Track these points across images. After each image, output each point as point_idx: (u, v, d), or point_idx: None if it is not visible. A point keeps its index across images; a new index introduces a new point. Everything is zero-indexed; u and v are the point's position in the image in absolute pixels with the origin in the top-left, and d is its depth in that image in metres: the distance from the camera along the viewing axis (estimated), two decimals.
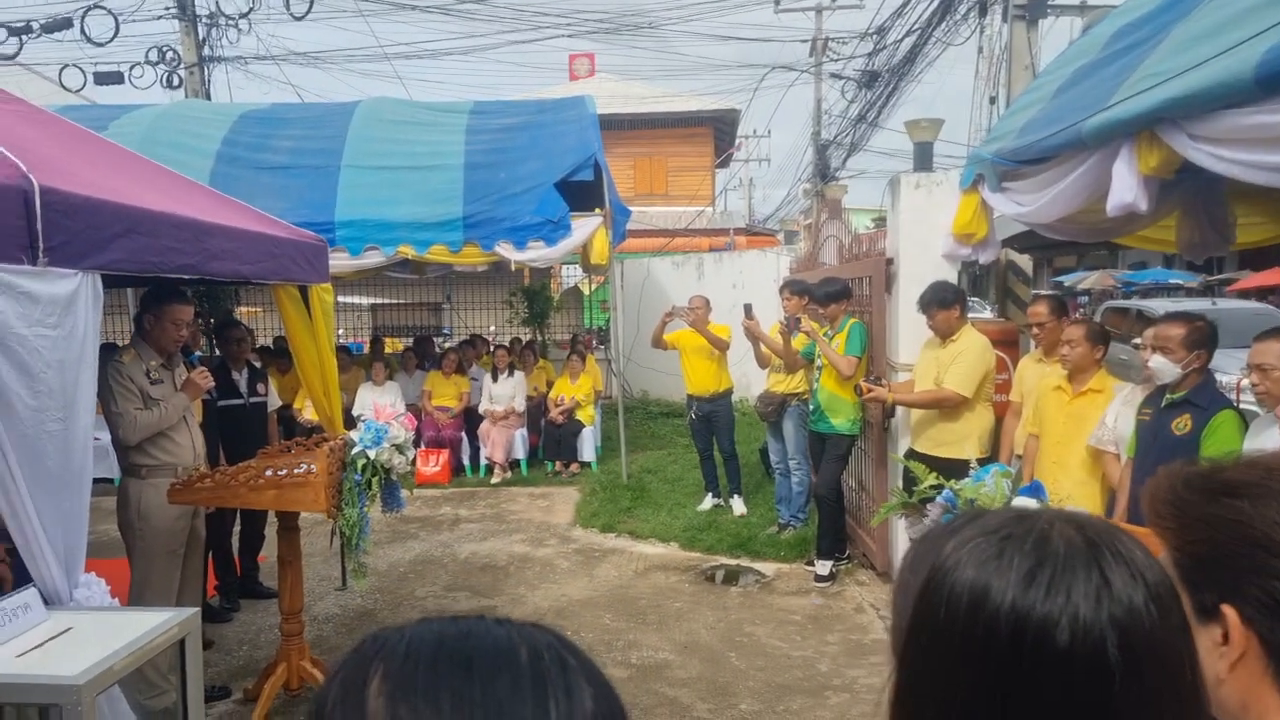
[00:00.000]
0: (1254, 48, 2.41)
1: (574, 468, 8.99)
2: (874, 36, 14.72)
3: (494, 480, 8.73)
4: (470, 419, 9.21)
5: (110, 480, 5.73)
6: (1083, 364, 4.01)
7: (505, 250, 7.54)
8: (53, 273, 2.54)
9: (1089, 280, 21.42)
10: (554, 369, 10.24)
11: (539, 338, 11.59)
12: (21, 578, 2.90)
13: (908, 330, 5.32)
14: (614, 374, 10.27)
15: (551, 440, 9.08)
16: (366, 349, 11.39)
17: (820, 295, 5.73)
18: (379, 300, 14.69)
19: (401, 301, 14.62)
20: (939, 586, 0.65)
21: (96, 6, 11.39)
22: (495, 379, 9.15)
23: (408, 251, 7.56)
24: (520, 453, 9.08)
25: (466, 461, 9.10)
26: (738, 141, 24.99)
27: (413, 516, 7.34)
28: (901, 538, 5.37)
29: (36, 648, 2.41)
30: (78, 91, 12.77)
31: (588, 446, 9.13)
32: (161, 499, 3.80)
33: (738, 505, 7.15)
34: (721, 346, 6.87)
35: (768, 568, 6.01)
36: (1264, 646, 0.73)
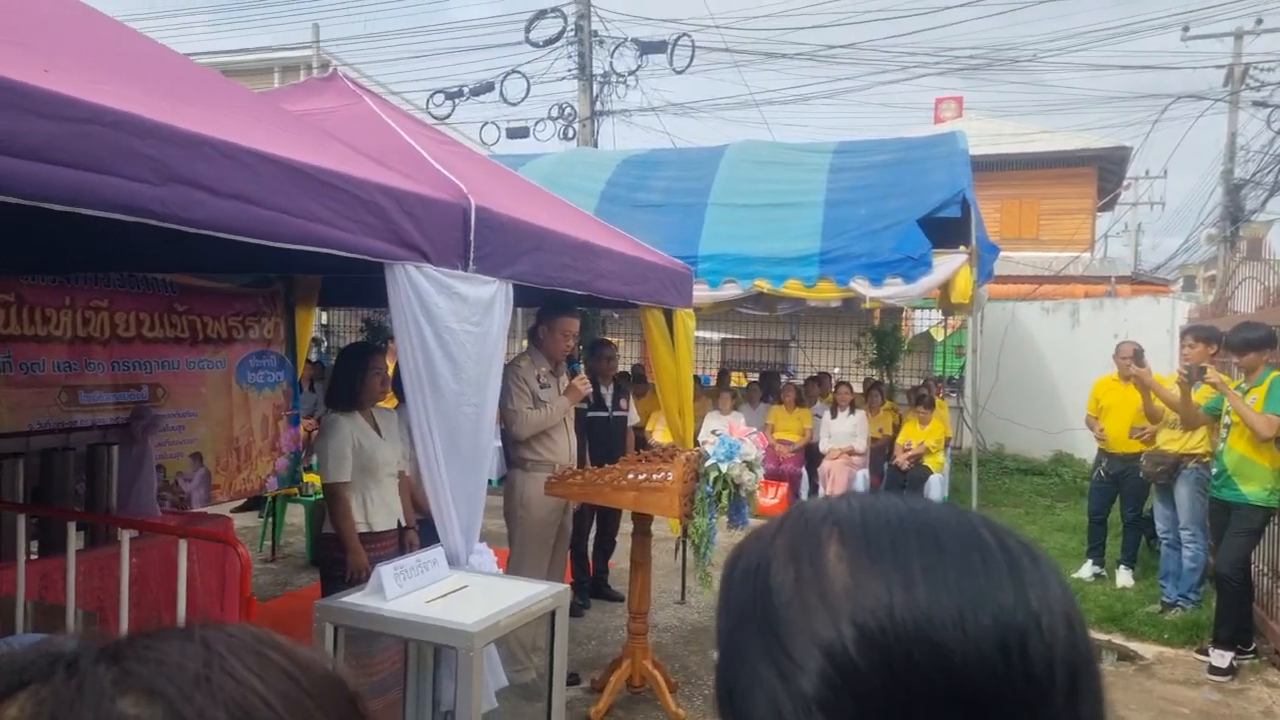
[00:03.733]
0: None
1: None
2: None
3: None
4: (811, 455, 9.21)
5: (489, 481, 6.51)
6: None
7: (860, 286, 7.48)
8: (479, 279, 2.99)
9: None
10: (900, 413, 9.92)
11: (887, 380, 11.30)
12: (424, 544, 3.40)
13: None
14: (966, 423, 9.71)
15: (895, 484, 8.78)
16: (714, 381, 11.86)
17: (1235, 342, 4.97)
18: (729, 335, 15.26)
19: (750, 337, 15.06)
20: None
21: (514, 72, 13.21)
22: (835, 416, 9.09)
23: (763, 285, 7.78)
24: None
25: (805, 497, 9.10)
26: (1125, 182, 22.56)
27: None
28: None
29: (440, 598, 2.81)
30: (491, 146, 14.88)
31: (934, 494, 8.70)
32: (541, 491, 4.25)
33: (1123, 576, 6.46)
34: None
35: (1147, 650, 5.28)
36: None
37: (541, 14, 13.11)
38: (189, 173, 1.91)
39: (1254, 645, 5.05)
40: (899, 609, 0.44)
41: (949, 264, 7.35)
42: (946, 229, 7.66)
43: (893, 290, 7.42)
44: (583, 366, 4.73)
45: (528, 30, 13.25)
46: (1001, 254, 9.79)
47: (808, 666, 0.44)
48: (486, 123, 14.60)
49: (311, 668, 0.42)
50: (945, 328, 13.56)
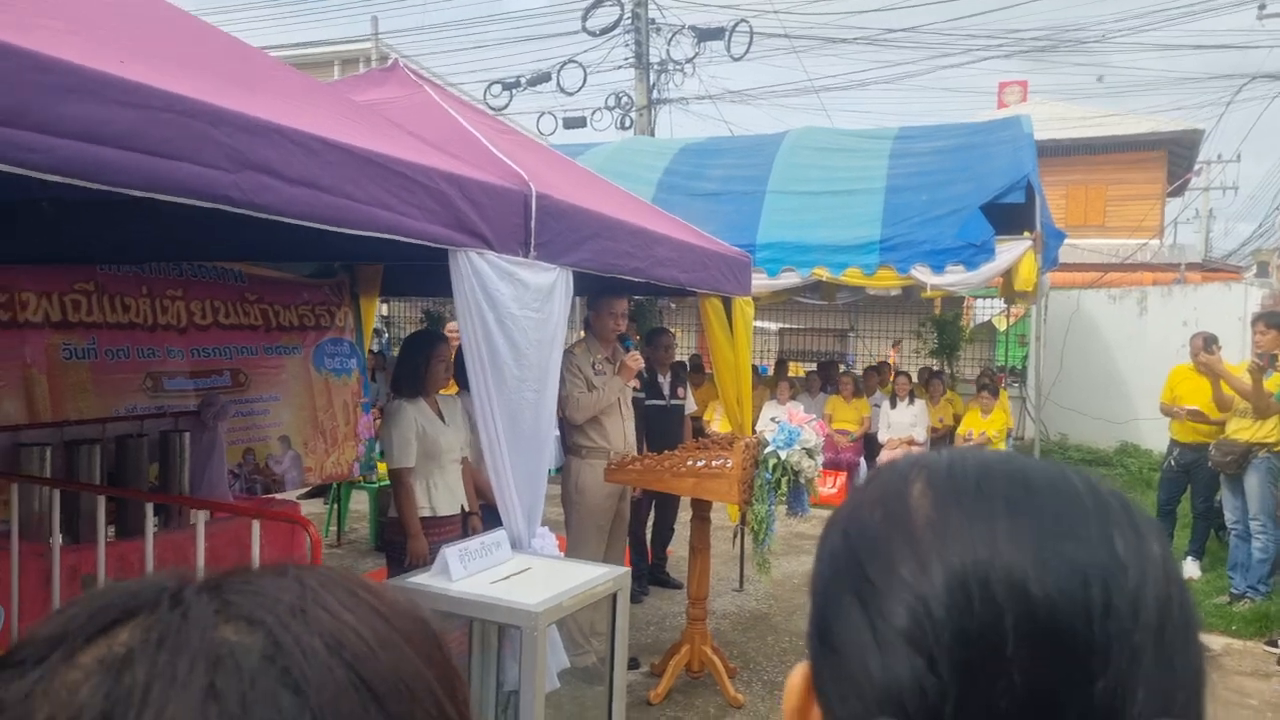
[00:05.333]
0: None
1: None
2: None
3: None
4: (870, 445, 9.11)
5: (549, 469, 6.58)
6: None
7: (921, 274, 7.35)
8: (540, 265, 3.01)
9: None
10: (962, 402, 9.75)
11: (947, 369, 11.11)
12: (488, 529, 3.44)
13: None
14: (1028, 414, 9.50)
15: None
16: (771, 371, 11.79)
17: None
18: (786, 325, 15.16)
19: (808, 327, 14.94)
20: None
21: (571, 61, 13.25)
22: (894, 406, 8.97)
23: (822, 273, 7.69)
24: None
25: None
26: (1196, 167, 21.78)
27: (807, 534, 7.43)
28: None
29: (504, 579, 2.84)
30: (549, 136, 14.94)
31: None
32: (596, 477, 4.27)
33: (1190, 567, 6.32)
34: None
35: (1214, 641, 5.16)
36: None
37: (598, 2, 13.11)
38: (261, 159, 1.96)
39: None
40: (979, 542, 0.44)
41: (1012, 251, 7.19)
42: (1010, 215, 7.49)
43: (955, 278, 7.29)
44: (639, 352, 4.72)
45: (584, 19, 13.27)
46: (1067, 241, 9.55)
47: (892, 600, 0.45)
48: (543, 113, 14.70)
49: (398, 607, 0.43)
50: (1008, 316, 13.28)
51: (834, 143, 9.15)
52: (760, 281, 7.53)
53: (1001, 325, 13.65)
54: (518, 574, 2.86)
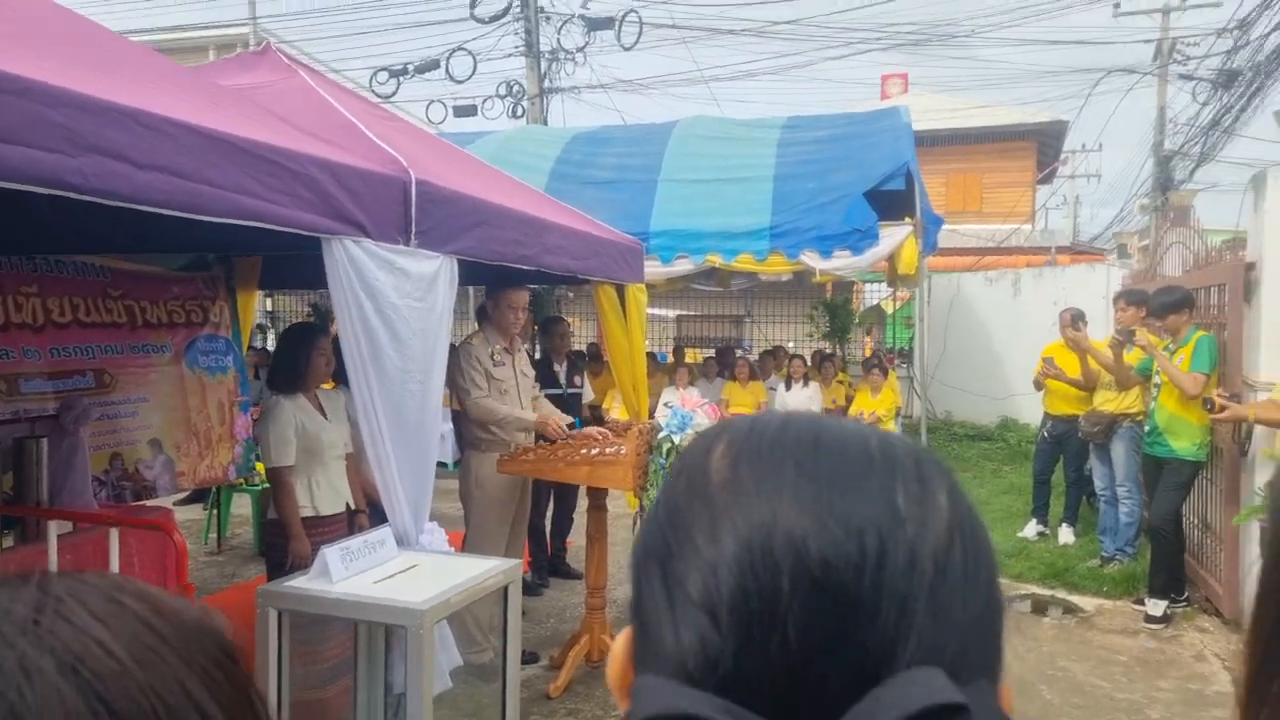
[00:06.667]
0: None
1: None
2: (1234, 32, 13.05)
3: None
4: None
5: (444, 464, 6.43)
6: None
7: (810, 259, 7.52)
8: (421, 254, 2.93)
9: None
10: (853, 383, 10.04)
11: (839, 352, 11.43)
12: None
13: (1272, 345, 4.62)
14: (916, 392, 9.86)
15: None
16: (670, 358, 11.88)
17: (1155, 307, 5.16)
18: (684, 311, 15.29)
19: (705, 314, 15.11)
20: None
21: (460, 49, 12.97)
22: (789, 388, 9.17)
23: (715, 260, 7.78)
24: None
25: None
26: (1063, 156, 23.01)
27: None
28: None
29: (389, 578, 2.76)
30: (439, 124, 14.61)
31: None
32: (495, 470, 4.20)
33: (1065, 534, 6.66)
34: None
35: (1087, 602, 5.48)
36: None
37: None
38: (106, 143, 1.83)
39: (1186, 594, 5.27)
40: (766, 503, 0.45)
41: (895, 236, 7.43)
42: (892, 202, 7.75)
43: (841, 262, 7.49)
44: (532, 349, 4.67)
45: (472, 6, 13.00)
46: (947, 226, 9.93)
47: (687, 566, 0.45)
48: (433, 101, 14.35)
49: (178, 617, 0.39)
50: (895, 300, 13.74)
51: (724, 131, 9.26)
52: (654, 268, 7.57)
53: (890, 308, 14.12)
54: (403, 572, 2.78)
